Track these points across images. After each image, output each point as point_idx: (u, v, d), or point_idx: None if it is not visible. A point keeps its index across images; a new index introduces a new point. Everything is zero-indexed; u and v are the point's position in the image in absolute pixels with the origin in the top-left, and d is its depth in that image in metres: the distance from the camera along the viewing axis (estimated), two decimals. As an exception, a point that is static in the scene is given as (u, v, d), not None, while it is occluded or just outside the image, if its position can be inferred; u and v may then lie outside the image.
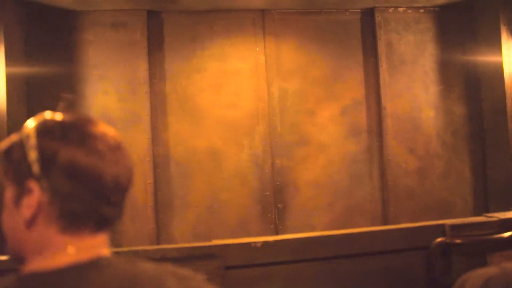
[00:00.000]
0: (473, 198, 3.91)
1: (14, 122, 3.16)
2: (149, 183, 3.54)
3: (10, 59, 3.10)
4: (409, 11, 4.00)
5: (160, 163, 3.65)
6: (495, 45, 3.67)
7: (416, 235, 2.24)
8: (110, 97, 3.61)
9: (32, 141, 0.69)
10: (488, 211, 3.42)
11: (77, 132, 0.71)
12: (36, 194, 0.68)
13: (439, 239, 2.16)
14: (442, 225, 2.24)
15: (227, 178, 3.70)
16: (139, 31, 3.62)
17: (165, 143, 3.69)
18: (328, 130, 3.86)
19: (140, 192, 3.49)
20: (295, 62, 3.89)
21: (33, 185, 0.68)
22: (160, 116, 3.70)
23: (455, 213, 3.74)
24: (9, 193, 0.71)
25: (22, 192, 0.69)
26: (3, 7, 3.11)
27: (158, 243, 3.48)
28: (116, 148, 0.74)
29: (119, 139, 0.77)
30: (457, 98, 3.99)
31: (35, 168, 0.68)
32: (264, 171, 3.74)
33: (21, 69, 3.32)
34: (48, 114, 0.75)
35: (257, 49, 3.83)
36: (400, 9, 3.98)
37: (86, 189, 0.69)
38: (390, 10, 3.96)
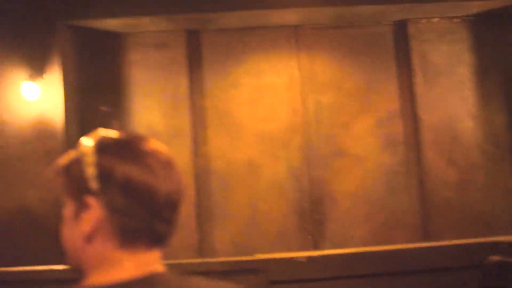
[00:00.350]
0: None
1: (69, 137, 3.35)
2: (191, 195, 3.66)
3: (65, 81, 3.32)
4: (443, 21, 3.95)
5: (201, 175, 3.77)
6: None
7: (466, 253, 2.12)
8: (153, 113, 3.77)
9: (90, 158, 0.71)
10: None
11: (131, 149, 0.73)
12: (94, 210, 0.69)
13: (495, 258, 1.95)
14: (497, 243, 2.09)
15: (265, 190, 3.76)
16: (180, 50, 3.77)
17: (206, 156, 3.81)
18: (364, 142, 3.85)
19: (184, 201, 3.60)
20: (329, 76, 3.92)
21: (92, 201, 0.69)
22: (200, 130, 3.82)
23: (498, 227, 3.61)
24: (69, 207, 0.73)
25: (81, 207, 0.71)
26: (58, 33, 3.33)
27: (200, 254, 3.57)
28: (168, 165, 0.74)
29: (170, 156, 0.76)
30: (497, 107, 3.89)
31: (94, 184, 0.69)
32: (301, 183, 3.78)
33: (74, 90, 3.53)
34: (103, 132, 0.76)
35: (291, 63, 3.90)
36: (434, 20, 3.94)
37: (141, 205, 0.70)
38: (423, 21, 3.92)
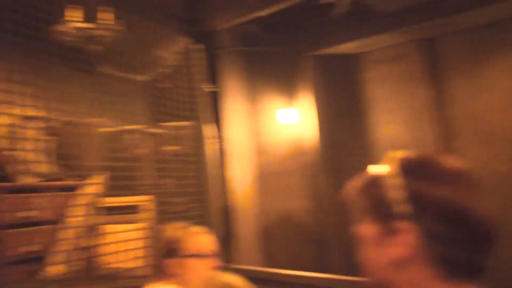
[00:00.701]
0: None
1: (323, 154, 3.74)
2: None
3: (317, 105, 3.76)
4: None
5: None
6: None
7: None
8: (395, 126, 3.78)
9: (395, 180, 0.66)
10: None
11: (441, 170, 0.67)
12: (407, 235, 0.65)
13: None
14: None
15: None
16: (416, 61, 3.68)
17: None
18: None
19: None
20: None
21: (404, 226, 0.65)
22: (445, 140, 3.59)
23: None
24: (369, 228, 0.70)
25: (388, 231, 0.67)
26: (306, 64, 3.80)
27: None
28: (479, 187, 0.67)
29: (476, 176, 0.68)
30: None
31: (404, 208, 0.65)
32: None
33: (323, 112, 3.92)
34: (400, 153, 0.71)
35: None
36: None
37: (460, 232, 0.63)
38: None
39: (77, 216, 2.49)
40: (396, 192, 0.66)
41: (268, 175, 3.97)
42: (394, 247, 0.66)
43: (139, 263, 2.40)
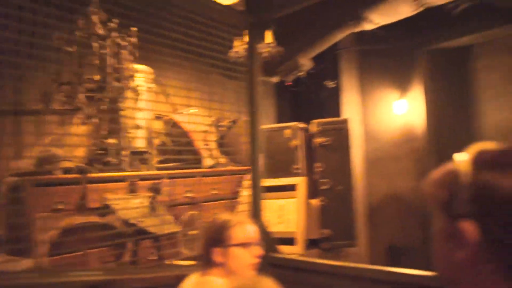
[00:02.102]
0: None
1: (430, 139, 4.10)
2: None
3: (426, 96, 4.12)
4: None
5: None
6: None
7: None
8: (504, 112, 4.01)
9: (467, 177, 0.62)
10: None
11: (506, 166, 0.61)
12: (469, 237, 0.61)
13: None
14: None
15: None
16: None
17: None
18: None
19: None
20: None
21: (467, 227, 0.61)
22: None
23: None
24: (440, 222, 0.67)
25: (454, 228, 0.63)
26: (419, 58, 4.14)
27: None
28: None
29: None
30: None
31: (470, 207, 0.61)
32: None
33: (433, 101, 4.26)
34: (482, 146, 0.66)
35: None
36: None
37: None
38: None
39: (246, 194, 3.21)
40: (464, 190, 0.61)
41: (382, 159, 4.43)
42: (458, 247, 0.63)
43: (294, 228, 3.06)
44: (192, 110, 3.39)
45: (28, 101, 2.62)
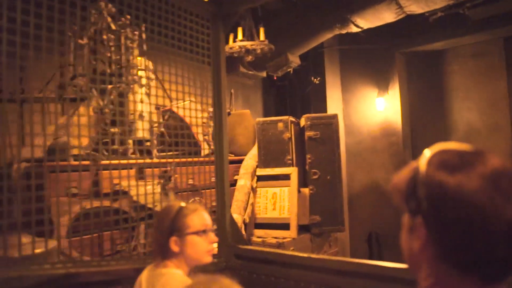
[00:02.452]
0: None
1: (405, 134, 4.46)
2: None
3: (401, 95, 4.47)
4: None
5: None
6: None
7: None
8: (472, 112, 4.43)
9: (423, 176, 0.65)
10: None
11: (473, 167, 0.63)
12: (420, 231, 0.65)
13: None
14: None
15: None
16: (497, 57, 4.25)
17: (525, 147, 4.18)
18: None
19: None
20: None
21: (419, 221, 0.65)
22: (517, 125, 4.21)
23: None
24: (405, 219, 0.70)
25: (412, 223, 0.67)
26: (396, 60, 4.47)
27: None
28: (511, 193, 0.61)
29: None
30: None
31: (423, 204, 0.64)
32: None
33: (407, 100, 4.62)
34: (441, 146, 0.69)
35: None
36: None
37: (473, 234, 0.60)
38: None
39: (240, 181, 3.42)
40: (420, 188, 0.65)
41: (362, 152, 4.75)
42: (413, 240, 0.67)
43: (287, 214, 3.30)
44: (187, 102, 3.56)
45: (37, 90, 2.71)
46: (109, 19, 2.45)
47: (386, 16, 3.42)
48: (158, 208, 2.31)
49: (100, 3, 2.46)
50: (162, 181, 2.44)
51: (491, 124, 4.30)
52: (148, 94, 2.96)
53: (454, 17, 3.82)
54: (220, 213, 2.40)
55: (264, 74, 4.38)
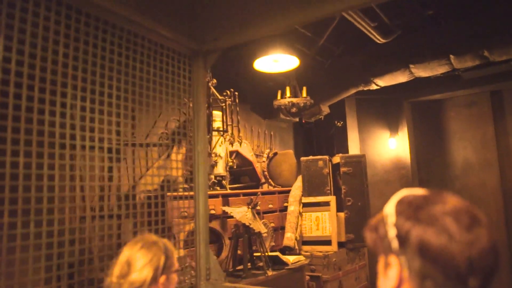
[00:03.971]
0: None
1: (413, 168, 5.41)
2: (497, 210, 5.08)
3: (409, 136, 5.45)
4: None
5: (508, 195, 5.13)
6: None
7: None
8: (467, 150, 5.42)
9: (392, 219, 0.73)
10: None
11: (429, 210, 0.70)
12: (395, 269, 0.71)
13: None
14: None
15: None
16: (486, 106, 5.30)
17: (509, 181, 5.15)
18: None
19: (493, 212, 5.10)
20: None
21: (393, 260, 0.72)
22: (505, 162, 5.20)
23: None
24: (380, 261, 0.78)
25: (386, 264, 0.75)
26: (404, 107, 5.50)
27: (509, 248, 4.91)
28: (472, 228, 0.69)
29: (478, 217, 0.71)
30: None
31: (394, 244, 0.71)
32: None
33: (414, 139, 5.61)
34: (406, 191, 0.78)
35: None
36: None
37: (437, 270, 0.67)
38: None
39: (291, 207, 4.32)
40: (390, 230, 0.73)
41: (378, 183, 5.70)
42: (388, 279, 0.74)
43: (329, 232, 4.18)
44: (244, 144, 4.50)
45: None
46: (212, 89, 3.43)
47: (400, 79, 4.45)
48: (253, 225, 3.19)
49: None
50: (251, 206, 3.32)
51: (483, 160, 5.30)
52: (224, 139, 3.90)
53: (451, 76, 4.88)
54: (201, 249, 2.41)
55: (297, 119, 5.37)
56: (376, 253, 0.79)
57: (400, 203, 0.76)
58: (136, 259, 1.43)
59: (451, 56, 3.91)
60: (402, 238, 0.72)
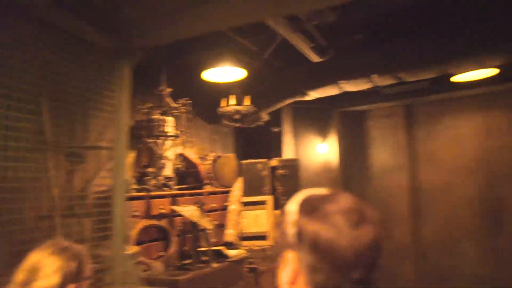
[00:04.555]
0: None
1: (341, 172, 6.07)
2: (410, 203, 5.91)
3: (339, 142, 6.10)
4: None
5: (414, 193, 5.98)
6: None
7: None
8: (385, 155, 6.20)
9: (292, 217, 0.79)
10: None
11: (322, 209, 0.77)
12: (292, 263, 0.77)
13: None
14: None
15: (459, 200, 5.71)
16: (401, 116, 6.10)
17: (418, 180, 6.00)
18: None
19: (405, 208, 5.91)
20: (503, 125, 5.61)
21: (291, 256, 0.78)
22: (414, 165, 6.05)
23: None
24: (281, 256, 0.82)
25: (286, 259, 0.80)
26: (334, 116, 6.13)
27: (411, 239, 5.75)
28: (359, 224, 0.75)
29: (366, 214, 0.78)
30: None
31: (293, 240, 0.77)
32: (484, 197, 5.57)
33: (341, 145, 6.27)
34: (308, 191, 0.85)
35: (476, 119, 5.75)
36: None
37: (326, 263, 0.73)
38: None
39: (232, 206, 4.67)
40: (290, 228, 0.79)
41: (309, 185, 6.26)
42: (286, 273, 0.79)
43: (265, 229, 4.60)
44: (190, 149, 4.76)
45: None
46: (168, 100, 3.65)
47: (331, 91, 5.01)
48: (201, 222, 3.47)
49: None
50: (200, 205, 3.61)
51: (397, 163, 6.11)
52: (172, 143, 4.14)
53: (373, 91, 5.57)
54: (118, 252, 2.25)
55: (239, 125, 5.73)
56: (278, 248, 0.83)
57: (301, 202, 0.82)
58: (44, 265, 1.32)
59: (373, 75, 4.53)
60: (299, 234, 0.77)
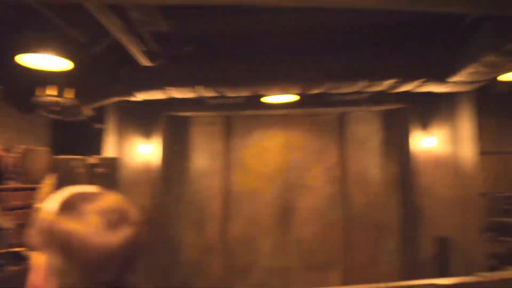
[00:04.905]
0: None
1: (163, 172, 6.29)
2: (222, 204, 6.56)
3: (163, 143, 6.30)
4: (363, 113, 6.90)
5: (227, 195, 6.69)
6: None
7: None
8: (203, 159, 6.72)
9: (48, 216, 0.74)
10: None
11: (80, 208, 0.72)
12: (43, 264, 0.73)
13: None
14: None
15: (260, 203, 6.67)
16: (221, 126, 6.74)
17: (230, 184, 6.73)
18: (316, 179, 6.78)
19: (217, 208, 6.53)
20: (298, 143, 6.87)
21: (41, 257, 0.73)
22: (228, 171, 6.76)
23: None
24: (33, 257, 0.76)
25: (37, 259, 0.75)
26: (160, 119, 6.31)
27: (221, 237, 6.44)
28: (117, 225, 0.72)
29: (127, 215, 0.75)
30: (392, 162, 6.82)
31: (44, 241, 0.72)
32: (279, 200, 6.69)
33: (166, 147, 6.49)
34: (74, 189, 0.78)
35: (279, 135, 6.86)
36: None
37: (76, 265, 0.69)
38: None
39: (41, 204, 4.31)
40: (42, 227, 0.73)
41: (129, 183, 6.26)
42: (37, 275, 0.74)
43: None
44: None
45: None
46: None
47: (157, 95, 5.20)
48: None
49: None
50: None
51: (213, 168, 6.73)
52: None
53: (199, 100, 6.01)
54: None
55: (58, 117, 5.31)
56: (32, 248, 0.77)
57: (62, 200, 0.76)
58: None
59: (198, 87, 4.95)
60: (51, 235, 0.72)
